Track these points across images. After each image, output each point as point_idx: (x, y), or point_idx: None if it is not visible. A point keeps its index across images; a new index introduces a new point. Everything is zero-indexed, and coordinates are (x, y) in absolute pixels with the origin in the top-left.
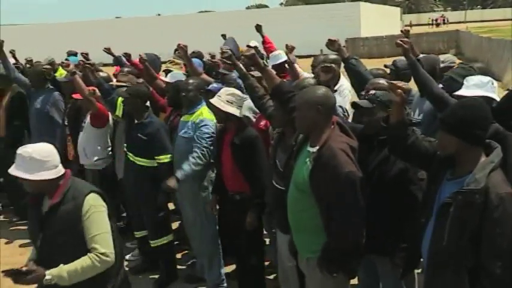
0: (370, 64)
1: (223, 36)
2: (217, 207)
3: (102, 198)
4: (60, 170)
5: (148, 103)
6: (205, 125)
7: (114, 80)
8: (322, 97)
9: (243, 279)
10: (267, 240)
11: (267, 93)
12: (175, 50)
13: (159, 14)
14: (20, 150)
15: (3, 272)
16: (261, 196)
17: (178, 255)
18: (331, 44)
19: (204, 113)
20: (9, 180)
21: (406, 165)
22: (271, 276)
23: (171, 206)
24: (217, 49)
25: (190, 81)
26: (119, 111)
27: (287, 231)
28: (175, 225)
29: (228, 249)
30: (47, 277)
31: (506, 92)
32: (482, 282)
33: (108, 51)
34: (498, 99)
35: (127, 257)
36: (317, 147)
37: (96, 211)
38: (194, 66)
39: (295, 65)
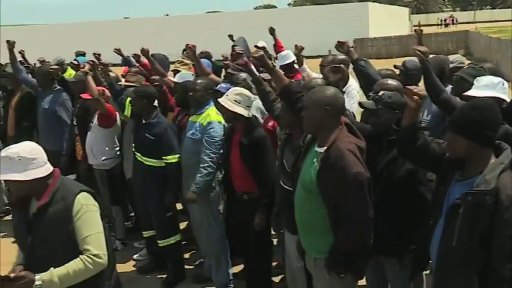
0: (378, 64)
1: (231, 36)
2: (225, 207)
3: (93, 197)
4: (49, 167)
5: (156, 103)
6: (213, 128)
7: (123, 80)
8: (331, 97)
9: (251, 280)
10: (275, 241)
11: (275, 93)
12: (184, 50)
13: (167, 14)
14: (4, 153)
15: None
16: (269, 196)
17: (186, 255)
18: (341, 46)
19: (211, 114)
20: None
21: (415, 166)
22: (279, 277)
23: (178, 206)
24: (225, 49)
25: (198, 81)
26: (127, 112)
27: (295, 232)
28: (183, 225)
29: (236, 249)
30: (37, 283)
31: None
32: (491, 285)
33: (118, 52)
34: (508, 100)
35: (135, 256)
36: (325, 148)
37: (87, 211)
38: (202, 66)
39: (305, 65)
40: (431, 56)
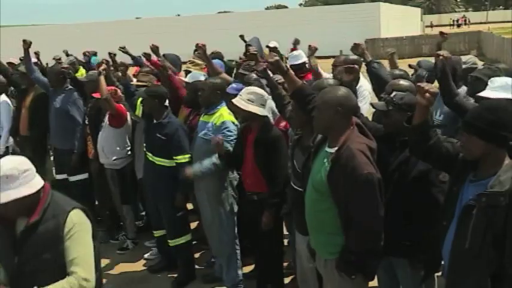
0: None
1: (242, 36)
2: (237, 207)
3: (86, 215)
4: (40, 180)
5: (167, 103)
6: (227, 127)
7: (134, 80)
8: (342, 98)
9: (262, 280)
10: (285, 241)
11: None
12: (195, 50)
13: (178, 15)
14: None
15: None
16: (279, 196)
17: (197, 255)
18: (356, 47)
19: (224, 115)
20: None
21: (428, 167)
22: (289, 278)
23: (189, 206)
24: (236, 49)
25: (208, 81)
26: (138, 111)
27: (305, 233)
28: (193, 224)
29: (247, 249)
30: None
31: None
32: (505, 287)
33: (123, 50)
34: None
35: (146, 255)
36: (335, 148)
37: (79, 230)
38: (213, 66)
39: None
40: None
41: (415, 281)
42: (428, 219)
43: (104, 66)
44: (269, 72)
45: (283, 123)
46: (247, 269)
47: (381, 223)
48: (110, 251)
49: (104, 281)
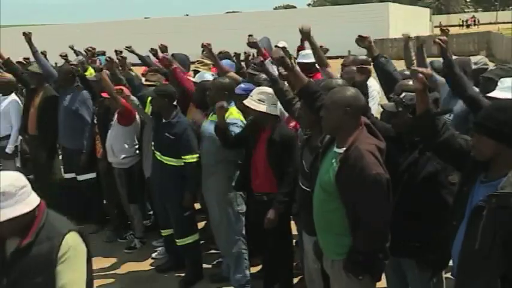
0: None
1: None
2: (245, 207)
3: (82, 238)
4: (36, 197)
5: (175, 102)
6: (235, 123)
7: (143, 79)
8: (351, 98)
9: (269, 280)
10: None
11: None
12: (203, 50)
13: (187, 15)
14: None
15: None
16: (289, 195)
17: (204, 255)
18: (362, 40)
19: (233, 113)
20: (39, 177)
21: (437, 168)
22: (297, 278)
23: (196, 205)
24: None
25: (216, 81)
26: (148, 109)
27: (312, 233)
28: (201, 224)
29: (255, 250)
30: None
31: None
32: None
33: (129, 49)
34: None
35: (153, 255)
36: (344, 149)
37: (73, 254)
38: (221, 65)
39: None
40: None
41: (423, 281)
42: (437, 219)
43: (97, 63)
44: (270, 67)
45: (292, 124)
46: (255, 269)
47: (388, 224)
48: (118, 250)
49: (112, 280)
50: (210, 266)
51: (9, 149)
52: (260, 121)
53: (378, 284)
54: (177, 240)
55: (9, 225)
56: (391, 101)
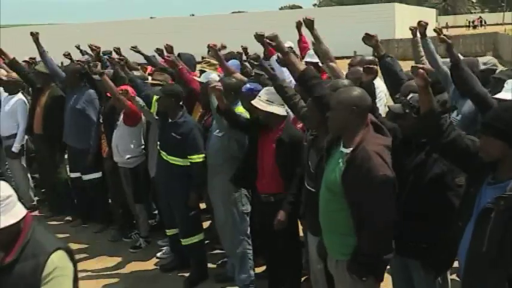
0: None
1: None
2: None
3: (70, 257)
4: (22, 207)
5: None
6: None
7: (149, 78)
8: (357, 98)
9: (274, 281)
10: None
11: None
12: (209, 50)
13: (192, 15)
14: None
15: None
16: (297, 196)
17: (209, 255)
18: (368, 38)
19: (240, 111)
20: (45, 176)
21: (444, 170)
22: (302, 278)
23: (202, 205)
24: (251, 49)
25: (222, 81)
26: (154, 109)
27: (317, 233)
28: (206, 224)
29: (259, 250)
30: None
31: None
32: None
33: (135, 49)
34: None
35: (158, 254)
36: (350, 149)
37: (60, 275)
38: (226, 65)
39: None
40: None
41: (429, 283)
42: (444, 221)
43: (99, 67)
44: (265, 64)
45: (300, 125)
46: (259, 269)
47: (393, 225)
48: (123, 250)
49: (116, 280)
50: (214, 265)
51: (15, 148)
52: (268, 121)
53: (382, 285)
54: (182, 240)
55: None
56: (397, 102)
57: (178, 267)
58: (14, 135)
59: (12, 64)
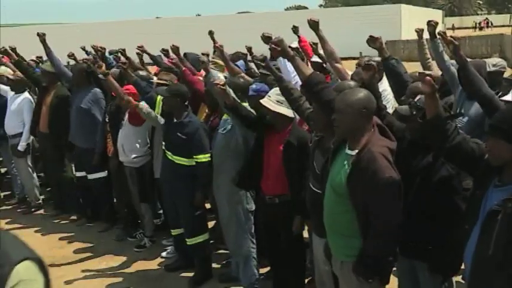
0: (410, 67)
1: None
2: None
3: (41, 269)
4: None
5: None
6: None
7: (155, 78)
8: (365, 100)
9: (278, 282)
10: None
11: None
12: (214, 51)
13: (198, 15)
14: None
15: None
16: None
17: (213, 254)
18: (372, 41)
19: None
20: (50, 175)
21: (451, 173)
22: (307, 279)
23: (207, 205)
24: (257, 50)
25: (229, 81)
26: (158, 110)
27: (322, 235)
28: (210, 224)
29: (263, 251)
30: None
31: None
32: None
33: (141, 49)
34: None
35: (163, 254)
36: (356, 151)
37: None
38: (231, 66)
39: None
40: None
41: (435, 286)
42: (451, 223)
43: (103, 68)
44: (271, 65)
45: (305, 127)
46: (263, 270)
47: (399, 227)
48: (127, 249)
49: (121, 279)
50: (219, 265)
51: (21, 146)
52: (275, 122)
53: (388, 287)
54: (187, 240)
55: None
56: (402, 104)
57: (183, 267)
58: (20, 134)
59: (18, 65)
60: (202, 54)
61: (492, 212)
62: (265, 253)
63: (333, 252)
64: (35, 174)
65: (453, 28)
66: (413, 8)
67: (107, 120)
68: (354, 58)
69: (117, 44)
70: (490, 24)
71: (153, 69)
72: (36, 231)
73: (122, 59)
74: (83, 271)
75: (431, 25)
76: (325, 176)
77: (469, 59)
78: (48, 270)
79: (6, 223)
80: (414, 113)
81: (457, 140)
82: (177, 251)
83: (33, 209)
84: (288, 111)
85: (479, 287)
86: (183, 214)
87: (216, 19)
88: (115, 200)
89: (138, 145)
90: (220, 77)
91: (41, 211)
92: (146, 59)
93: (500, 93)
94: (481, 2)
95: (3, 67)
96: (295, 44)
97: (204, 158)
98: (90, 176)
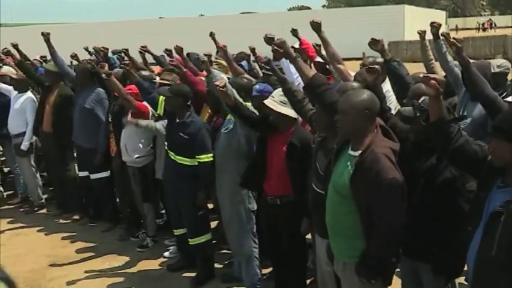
0: (413, 68)
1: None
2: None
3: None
4: None
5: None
6: None
7: (158, 78)
8: (369, 101)
9: (282, 282)
10: None
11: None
12: (217, 51)
13: (201, 15)
14: None
15: None
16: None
17: (216, 254)
18: (374, 43)
19: None
20: (53, 175)
21: (454, 175)
22: (309, 280)
23: (209, 205)
24: (258, 50)
25: (232, 81)
26: (160, 110)
27: (325, 236)
28: (213, 224)
29: (265, 251)
30: None
31: None
32: None
33: (144, 49)
34: None
35: (165, 254)
36: (359, 152)
37: None
38: (235, 66)
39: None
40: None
41: (438, 287)
42: (454, 225)
43: (106, 68)
44: (275, 67)
45: (308, 129)
46: (265, 271)
47: (402, 228)
48: (130, 249)
49: (123, 279)
50: (221, 265)
51: (24, 145)
52: (278, 123)
53: None
54: (190, 240)
55: None
56: (405, 105)
57: (185, 267)
58: (23, 133)
59: (20, 64)
60: (205, 55)
61: (495, 213)
62: (267, 253)
63: (335, 253)
64: (37, 174)
65: (456, 29)
66: (417, 9)
67: (110, 120)
68: (357, 59)
69: (119, 44)
70: (493, 25)
71: (156, 69)
72: (38, 231)
73: (126, 59)
74: (86, 271)
75: (435, 26)
76: (328, 177)
77: (472, 60)
78: None
79: (9, 222)
80: (418, 114)
81: (460, 142)
82: (179, 251)
83: (35, 209)
84: (291, 112)
85: None
86: (185, 214)
87: (219, 19)
88: (118, 200)
89: (141, 145)
90: (223, 77)
91: (44, 210)
92: (150, 59)
93: (504, 94)
94: (484, 3)
95: (6, 67)
96: (297, 45)
97: (206, 158)
98: (93, 176)
